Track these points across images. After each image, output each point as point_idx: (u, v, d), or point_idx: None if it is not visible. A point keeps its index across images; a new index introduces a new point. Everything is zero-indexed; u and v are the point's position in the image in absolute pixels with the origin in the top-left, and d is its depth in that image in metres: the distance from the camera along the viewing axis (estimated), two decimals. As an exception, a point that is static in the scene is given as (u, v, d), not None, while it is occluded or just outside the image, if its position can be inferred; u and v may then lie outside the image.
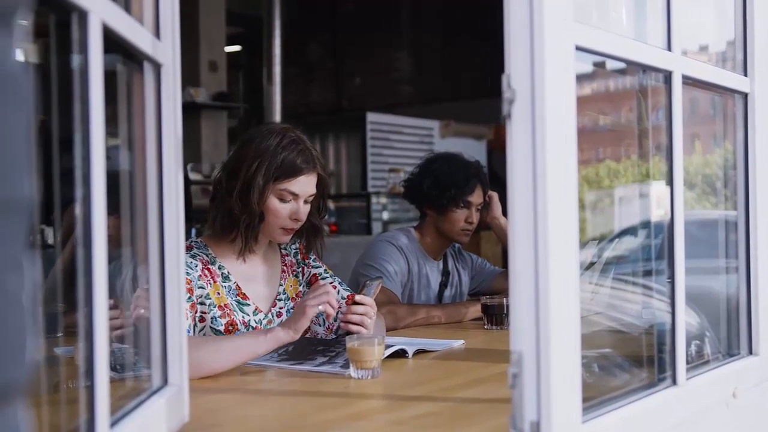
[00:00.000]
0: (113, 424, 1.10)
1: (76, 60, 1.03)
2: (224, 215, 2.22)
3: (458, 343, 2.37)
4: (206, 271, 2.19)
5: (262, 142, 2.21)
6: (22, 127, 0.57)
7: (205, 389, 1.78)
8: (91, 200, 1.02)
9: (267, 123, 2.34)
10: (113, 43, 1.13)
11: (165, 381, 1.38)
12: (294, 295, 2.38)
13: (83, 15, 1.00)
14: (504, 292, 2.98)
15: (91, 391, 1.01)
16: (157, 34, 1.36)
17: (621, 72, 1.75)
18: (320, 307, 1.99)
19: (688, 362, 1.57)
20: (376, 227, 7.26)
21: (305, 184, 2.23)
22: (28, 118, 0.58)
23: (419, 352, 2.20)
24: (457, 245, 3.22)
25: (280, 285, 2.37)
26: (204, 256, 2.22)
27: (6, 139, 0.55)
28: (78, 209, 1.02)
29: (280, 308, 2.34)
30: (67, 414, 1.19)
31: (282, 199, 2.21)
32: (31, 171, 0.59)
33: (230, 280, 2.24)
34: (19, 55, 0.58)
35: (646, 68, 1.57)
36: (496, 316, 2.67)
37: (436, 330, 2.70)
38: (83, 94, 1.02)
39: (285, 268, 2.40)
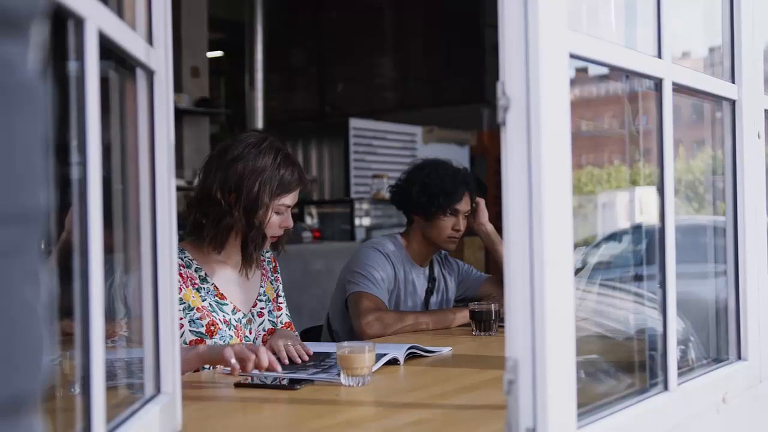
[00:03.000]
0: (108, 433, 1.09)
1: (71, 66, 1.02)
2: (225, 231, 2.28)
3: (446, 350, 2.37)
4: (179, 276, 2.21)
5: (257, 160, 2.28)
6: (38, 137, 0.57)
7: (197, 398, 1.77)
8: (88, 207, 1.01)
9: (247, 135, 2.37)
10: (106, 49, 1.12)
11: (158, 389, 1.38)
12: (272, 299, 2.48)
13: (80, 22, 1.00)
14: (491, 298, 2.99)
15: (88, 399, 1.01)
16: (150, 41, 1.36)
17: (603, 78, 1.76)
18: (233, 360, 1.92)
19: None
20: (360, 233, 7.25)
21: (296, 196, 2.37)
22: (44, 128, 0.58)
23: (411, 357, 2.20)
24: (443, 251, 3.23)
25: (261, 287, 2.45)
26: (179, 260, 2.24)
27: (22, 149, 0.55)
28: (74, 217, 1.01)
29: (261, 308, 2.43)
30: (61, 422, 1.18)
31: (277, 213, 2.32)
32: (47, 181, 0.58)
33: (208, 282, 2.31)
34: (35, 64, 0.58)
35: (637, 75, 1.58)
36: (484, 323, 2.67)
37: (424, 336, 2.70)
38: (79, 101, 1.01)
39: (264, 271, 2.49)
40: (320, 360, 2.16)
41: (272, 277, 2.52)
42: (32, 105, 0.56)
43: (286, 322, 2.48)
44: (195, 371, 2.13)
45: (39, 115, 0.57)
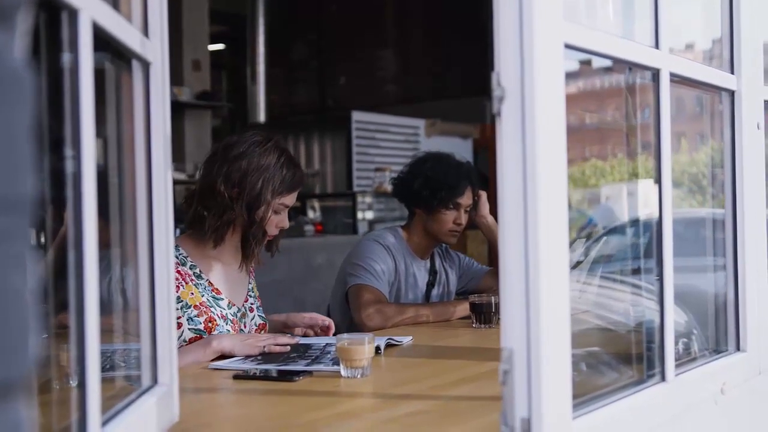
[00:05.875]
0: (104, 423, 1.09)
1: (65, 58, 1.02)
2: (225, 225, 2.31)
3: (408, 339, 2.42)
4: (176, 274, 2.22)
5: (262, 158, 2.31)
6: (24, 125, 0.57)
7: (194, 389, 1.78)
8: (82, 200, 1.01)
9: (252, 133, 2.39)
10: (102, 41, 1.12)
11: (155, 380, 1.38)
12: (257, 296, 2.53)
13: (73, 13, 1.00)
14: (492, 290, 2.99)
15: (83, 390, 1.01)
16: (145, 32, 1.36)
17: (607, 70, 1.76)
18: (265, 349, 2.17)
19: (676, 359, 1.57)
20: (362, 227, 7.25)
21: (295, 197, 2.40)
22: (30, 116, 0.58)
23: (389, 346, 2.26)
24: (444, 244, 3.23)
25: (249, 283, 2.49)
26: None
27: (9, 137, 0.55)
28: (68, 210, 1.01)
29: (251, 304, 2.47)
30: (57, 414, 1.18)
31: (276, 212, 2.35)
32: (33, 168, 0.59)
33: (203, 278, 2.33)
34: (21, 52, 0.58)
35: (634, 66, 1.58)
36: (484, 315, 2.68)
37: (424, 328, 2.70)
38: (73, 93, 1.01)
39: (251, 269, 2.52)
40: (304, 351, 2.17)
41: (254, 276, 2.57)
42: (18, 93, 0.57)
43: (260, 324, 2.50)
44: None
45: (24, 103, 0.57)
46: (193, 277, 2.31)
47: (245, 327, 2.40)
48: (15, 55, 0.57)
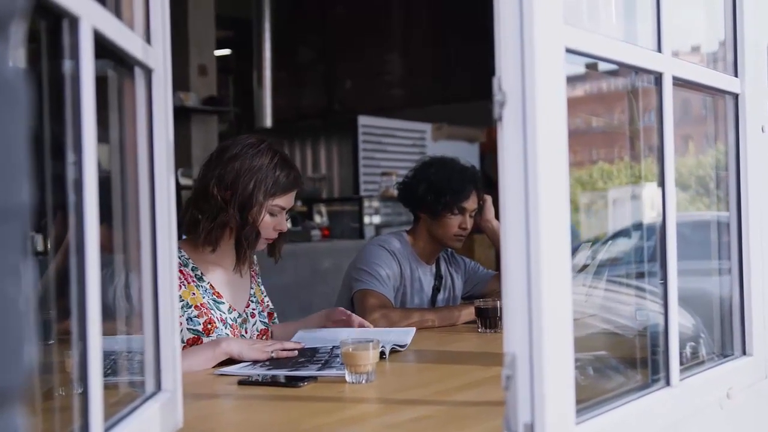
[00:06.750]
0: (107, 429, 1.09)
1: (66, 65, 1.02)
2: (219, 227, 2.31)
3: (411, 332, 2.43)
4: (178, 274, 2.23)
5: (254, 160, 2.31)
6: (19, 134, 0.57)
7: (198, 395, 1.78)
8: (84, 207, 1.01)
9: (247, 136, 2.41)
10: (103, 48, 1.13)
11: (158, 387, 1.38)
12: (260, 300, 2.52)
13: (74, 21, 1.00)
14: (497, 295, 2.98)
15: (85, 397, 1.01)
16: (147, 39, 1.36)
17: (613, 73, 1.76)
18: (273, 354, 2.16)
19: (682, 363, 1.57)
20: (369, 231, 7.24)
21: (292, 199, 2.39)
22: (26, 125, 0.58)
23: (393, 351, 2.26)
24: (449, 249, 3.22)
25: (251, 288, 2.49)
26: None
27: (4, 146, 0.55)
28: (70, 216, 1.02)
29: (253, 309, 2.47)
30: (61, 420, 1.18)
31: (271, 214, 2.34)
32: (29, 177, 0.59)
33: (204, 281, 2.34)
34: (16, 62, 0.58)
35: (636, 70, 1.57)
36: (490, 319, 2.67)
37: (429, 333, 2.70)
38: (74, 100, 1.01)
39: (253, 274, 2.53)
40: (311, 356, 2.17)
41: (258, 281, 2.56)
42: (13, 102, 0.57)
43: (261, 329, 2.50)
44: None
45: (20, 112, 0.58)
46: (195, 279, 2.32)
47: (246, 333, 2.40)
48: (10, 64, 0.57)
